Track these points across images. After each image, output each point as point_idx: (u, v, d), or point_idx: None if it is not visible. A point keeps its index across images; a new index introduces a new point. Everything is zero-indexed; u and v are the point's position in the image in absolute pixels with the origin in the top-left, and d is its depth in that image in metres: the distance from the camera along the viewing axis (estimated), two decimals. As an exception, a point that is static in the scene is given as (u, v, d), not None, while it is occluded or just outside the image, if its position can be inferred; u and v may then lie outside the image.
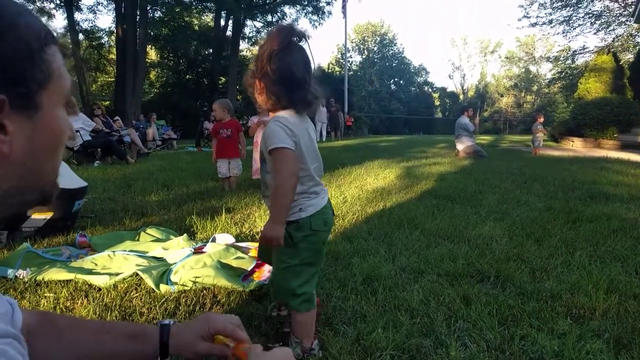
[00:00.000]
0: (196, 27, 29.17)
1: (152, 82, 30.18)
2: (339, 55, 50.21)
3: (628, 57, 25.01)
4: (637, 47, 23.40)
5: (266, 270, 2.39)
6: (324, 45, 65.73)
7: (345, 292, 2.19)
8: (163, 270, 2.36)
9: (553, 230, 3.32)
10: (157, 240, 3.00)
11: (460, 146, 10.00)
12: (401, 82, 52.47)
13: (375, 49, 52.50)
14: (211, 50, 28.47)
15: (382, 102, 47.05)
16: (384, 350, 1.67)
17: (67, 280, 2.27)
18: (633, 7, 16.93)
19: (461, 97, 55.16)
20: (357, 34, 52.23)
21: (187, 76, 29.65)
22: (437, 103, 55.80)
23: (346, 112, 23.56)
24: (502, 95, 51.76)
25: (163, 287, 2.20)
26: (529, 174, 6.43)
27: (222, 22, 27.34)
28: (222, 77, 28.13)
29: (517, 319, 1.92)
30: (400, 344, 1.72)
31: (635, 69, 17.01)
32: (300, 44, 1.51)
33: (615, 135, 13.49)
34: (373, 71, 50.19)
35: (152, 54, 29.40)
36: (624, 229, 3.31)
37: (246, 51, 31.56)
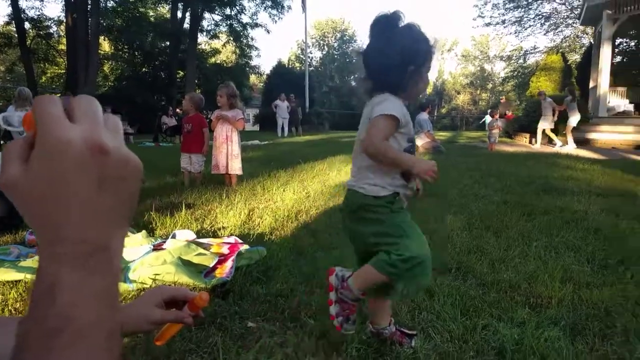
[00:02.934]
0: (152, 19, 28.29)
1: (106, 75, 29.06)
2: (299, 51, 50.12)
3: (575, 57, 26.27)
4: (583, 48, 24.58)
5: (228, 267, 2.34)
6: (284, 40, 65.36)
7: (311, 287, 2.17)
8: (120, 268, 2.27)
9: (510, 223, 3.42)
10: (114, 237, 2.88)
11: (419, 142, 10.18)
12: (357, 75, 52.79)
13: (336, 45, 52.68)
14: (168, 43, 27.69)
15: (343, 98, 47.32)
16: (350, 344, 1.66)
17: (16, 281, 2.14)
18: (579, 10, 17.77)
19: (420, 94, 56.20)
20: (317, 29, 52.23)
21: (143, 69, 28.73)
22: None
23: (307, 108, 23.55)
24: (458, 93, 53.18)
25: (121, 286, 2.11)
26: (486, 169, 6.63)
27: (179, 14, 26.66)
28: (180, 71, 27.45)
29: (478, 309, 1.96)
30: (366, 338, 1.72)
31: (582, 69, 17.88)
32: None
33: (564, 132, 14.08)
34: (333, 67, 50.37)
35: (105, 46, 28.31)
36: (576, 221, 3.46)
37: (205, 44, 30.92)
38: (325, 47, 52.66)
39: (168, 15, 28.17)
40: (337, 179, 5.60)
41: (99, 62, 24.16)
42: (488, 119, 14.75)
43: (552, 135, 12.58)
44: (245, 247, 2.62)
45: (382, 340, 1.67)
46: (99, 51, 23.66)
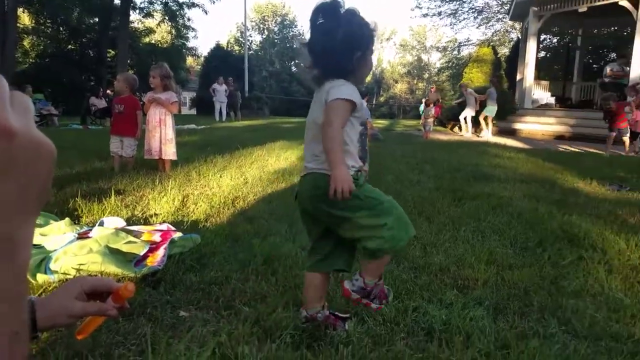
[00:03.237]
0: (78, -8, 26.41)
1: (26, 51, 26.82)
2: (238, 34, 49.03)
3: (504, 51, 27.65)
4: (512, 43, 25.93)
5: (160, 255, 2.25)
6: (223, 22, 63.55)
7: (246, 274, 2.15)
8: (40, 258, 2.12)
9: (442, 208, 3.56)
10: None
11: (357, 129, 10.35)
12: (302, 64, 52.60)
13: (276, 29, 52.01)
14: (97, 20, 26.03)
15: (283, 83, 46.93)
16: (284, 330, 1.66)
17: None
18: (509, 5, 18.70)
19: (359, 81, 56.94)
20: (257, 13, 51.27)
21: (70, 46, 26.85)
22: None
23: (246, 92, 23.15)
24: (396, 82, 54.39)
25: (40, 277, 1.98)
26: (421, 157, 6.85)
27: (109, -11, 25.13)
28: (110, 50, 25.94)
29: (410, 292, 2.03)
30: (300, 323, 1.72)
31: (511, 62, 18.87)
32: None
33: (494, 122, 14.84)
34: (273, 52, 49.77)
35: (25, 19, 26.08)
36: (501, 206, 3.66)
37: (138, 23, 29.39)
38: (265, 31, 51.86)
39: (96, -11, 26.44)
40: (277, 165, 5.56)
41: (18, 36, 22.29)
42: (422, 107, 15.54)
43: (463, 124, 13.59)
44: (179, 234, 2.54)
45: (317, 326, 1.69)
46: (18, 24, 21.79)
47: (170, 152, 4.86)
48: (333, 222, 1.61)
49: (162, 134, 4.81)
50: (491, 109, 12.91)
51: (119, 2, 24.51)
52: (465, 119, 13.38)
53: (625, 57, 13.50)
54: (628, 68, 12.63)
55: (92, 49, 26.56)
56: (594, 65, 21.91)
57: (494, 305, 1.93)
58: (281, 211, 3.31)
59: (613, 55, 21.04)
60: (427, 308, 1.86)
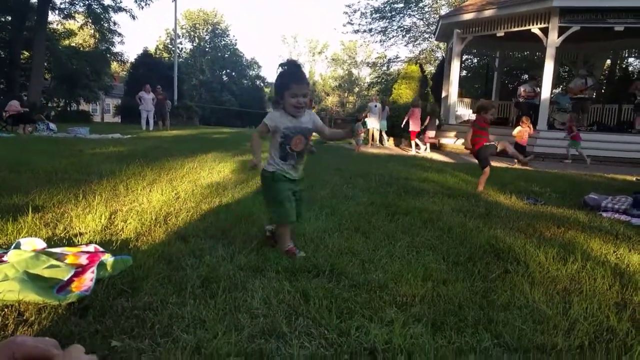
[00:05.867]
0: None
1: None
2: (168, 41, 47.69)
3: (430, 69, 29.12)
4: (437, 61, 27.39)
5: (87, 279, 2.09)
6: (152, 28, 61.39)
7: (183, 298, 2.05)
8: (-55, 287, 1.89)
9: (377, 224, 3.63)
10: (-64, 249, 2.40)
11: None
12: (233, 74, 52.08)
13: (207, 37, 51.20)
14: (10, 18, 24.11)
15: (214, 92, 46.12)
16: (227, 357, 1.60)
17: None
18: (435, 26, 19.74)
19: (291, 93, 57.28)
20: (188, 20, 50.21)
21: (-24, 45, 24.62)
22: (268, 97, 56.94)
23: (175, 101, 22.48)
24: (328, 95, 55.36)
25: (-55, 310, 1.76)
26: (354, 170, 6.98)
27: (25, -14, 23.37)
28: (25, 51, 24.11)
29: (351, 311, 2.03)
30: (242, 349, 1.67)
31: (436, 79, 19.89)
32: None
33: (420, 137, 15.50)
34: (204, 60, 48.85)
35: None
36: (433, 221, 3.81)
37: (57, 24, 27.58)
38: (196, 39, 50.82)
39: (10, -15, 24.52)
40: (210, 178, 5.42)
41: None
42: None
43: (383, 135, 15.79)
44: (108, 256, 2.37)
45: (259, 351, 1.64)
46: None
47: None
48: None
49: None
50: (383, 124, 15.22)
51: (36, 1, 22.93)
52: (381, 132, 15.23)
53: (536, 79, 14.70)
54: (539, 89, 13.77)
55: (4, 50, 24.51)
56: (510, 86, 23.68)
57: (432, 322, 1.98)
58: (217, 229, 3.22)
59: (525, 76, 22.88)
60: (369, 327, 1.88)
